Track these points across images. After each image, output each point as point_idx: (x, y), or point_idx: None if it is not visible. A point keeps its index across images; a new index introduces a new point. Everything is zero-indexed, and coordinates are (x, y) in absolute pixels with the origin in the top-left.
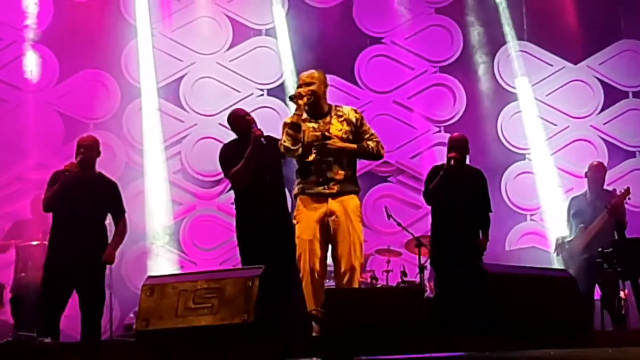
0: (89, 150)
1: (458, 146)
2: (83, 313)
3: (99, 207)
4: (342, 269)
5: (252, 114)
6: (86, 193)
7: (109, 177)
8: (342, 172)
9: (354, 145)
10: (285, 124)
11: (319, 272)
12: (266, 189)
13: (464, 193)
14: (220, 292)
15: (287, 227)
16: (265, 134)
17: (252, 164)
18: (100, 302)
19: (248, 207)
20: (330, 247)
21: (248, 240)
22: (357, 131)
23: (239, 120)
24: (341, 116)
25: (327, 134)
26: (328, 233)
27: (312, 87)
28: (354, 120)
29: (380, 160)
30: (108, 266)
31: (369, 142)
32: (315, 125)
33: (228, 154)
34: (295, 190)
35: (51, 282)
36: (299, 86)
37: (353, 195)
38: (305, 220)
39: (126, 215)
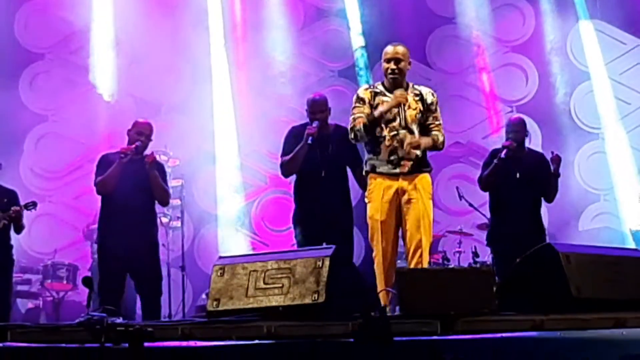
0: (148, 138)
1: (513, 131)
2: (141, 295)
3: (150, 190)
4: (412, 247)
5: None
6: (138, 176)
7: (158, 160)
8: (413, 152)
9: (429, 141)
10: (359, 99)
11: (391, 252)
12: (321, 182)
13: (519, 177)
14: (290, 273)
15: (345, 218)
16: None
17: (299, 159)
18: (156, 283)
19: (302, 198)
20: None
21: (301, 232)
22: (426, 114)
23: (315, 110)
24: (418, 94)
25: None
26: (399, 212)
27: (400, 65)
28: (429, 102)
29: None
30: (180, 249)
31: (438, 134)
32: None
33: (288, 138)
34: (366, 167)
35: (106, 265)
36: (387, 60)
37: (425, 174)
38: (377, 201)
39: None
